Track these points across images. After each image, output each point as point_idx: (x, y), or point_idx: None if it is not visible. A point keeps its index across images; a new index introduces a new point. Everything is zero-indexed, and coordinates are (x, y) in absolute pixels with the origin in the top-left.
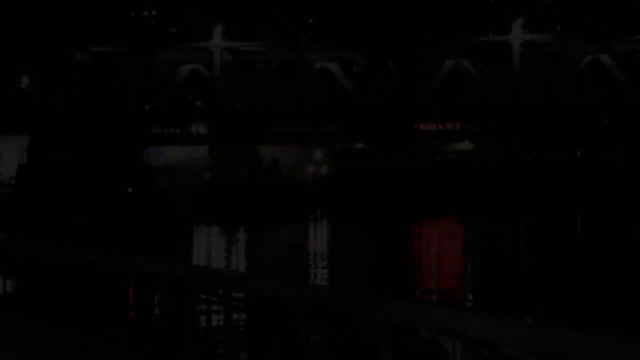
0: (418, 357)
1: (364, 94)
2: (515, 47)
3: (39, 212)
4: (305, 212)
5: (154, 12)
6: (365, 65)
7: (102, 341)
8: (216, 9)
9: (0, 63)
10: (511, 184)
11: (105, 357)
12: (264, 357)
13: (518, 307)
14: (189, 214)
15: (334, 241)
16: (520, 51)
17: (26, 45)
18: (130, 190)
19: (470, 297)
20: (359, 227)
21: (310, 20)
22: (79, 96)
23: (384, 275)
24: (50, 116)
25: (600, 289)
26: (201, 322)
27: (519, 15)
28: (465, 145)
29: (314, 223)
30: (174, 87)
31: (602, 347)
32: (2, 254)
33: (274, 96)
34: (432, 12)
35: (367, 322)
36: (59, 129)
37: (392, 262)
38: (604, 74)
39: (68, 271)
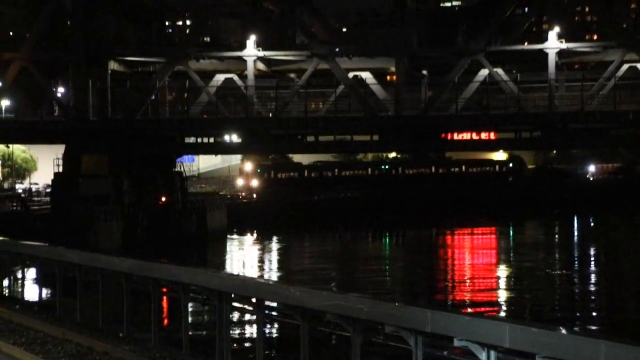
0: None
1: (398, 103)
2: (550, 56)
3: (74, 220)
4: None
5: (188, 22)
6: (399, 75)
7: (129, 348)
8: (250, 18)
9: (35, 72)
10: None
11: None
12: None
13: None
14: (224, 223)
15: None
16: (556, 60)
17: (62, 54)
18: (164, 199)
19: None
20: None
21: (344, 30)
22: (114, 106)
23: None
24: (86, 125)
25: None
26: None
27: (555, 24)
28: (500, 155)
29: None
30: (207, 96)
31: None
32: (40, 261)
33: (307, 105)
34: (467, 20)
35: (399, 329)
36: (94, 138)
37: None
38: None
39: (103, 279)
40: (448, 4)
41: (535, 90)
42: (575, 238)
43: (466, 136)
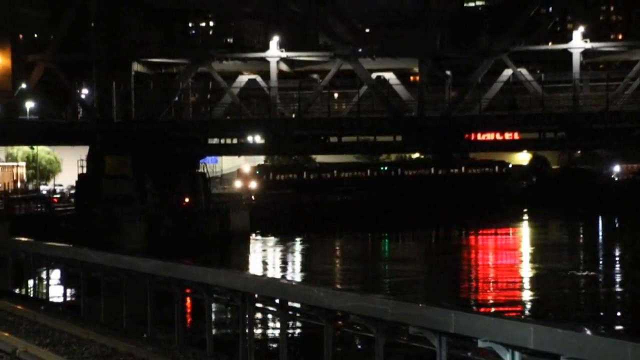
0: None
1: (420, 103)
2: (575, 56)
3: (98, 221)
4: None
5: (211, 23)
6: (422, 75)
7: (152, 349)
8: (273, 19)
9: (59, 74)
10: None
11: None
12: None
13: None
14: (246, 224)
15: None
16: (580, 59)
17: (85, 56)
18: (187, 200)
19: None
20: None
21: (367, 30)
22: (137, 107)
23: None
24: (109, 127)
25: None
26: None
27: (579, 23)
28: (524, 155)
29: None
30: (230, 97)
31: None
32: (64, 262)
33: (329, 106)
34: (490, 20)
35: (423, 330)
36: (117, 139)
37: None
38: None
39: (126, 279)
40: (471, 4)
41: (560, 90)
42: (600, 238)
43: (489, 136)
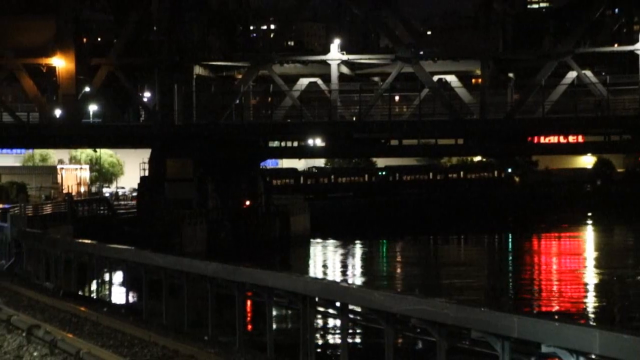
0: None
1: (483, 106)
2: None
3: (159, 223)
4: None
5: (272, 26)
6: (485, 78)
7: (214, 351)
8: (334, 22)
9: (122, 77)
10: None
11: None
12: None
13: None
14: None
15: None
16: None
17: (148, 60)
18: (248, 202)
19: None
20: None
21: (428, 32)
22: (199, 110)
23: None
24: (171, 129)
25: None
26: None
27: None
28: (587, 159)
29: None
30: (291, 100)
31: None
32: (127, 264)
33: (390, 109)
34: (554, 22)
35: (485, 334)
36: (179, 142)
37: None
38: None
39: (188, 282)
40: (535, 6)
41: (625, 93)
42: None
43: (553, 139)
